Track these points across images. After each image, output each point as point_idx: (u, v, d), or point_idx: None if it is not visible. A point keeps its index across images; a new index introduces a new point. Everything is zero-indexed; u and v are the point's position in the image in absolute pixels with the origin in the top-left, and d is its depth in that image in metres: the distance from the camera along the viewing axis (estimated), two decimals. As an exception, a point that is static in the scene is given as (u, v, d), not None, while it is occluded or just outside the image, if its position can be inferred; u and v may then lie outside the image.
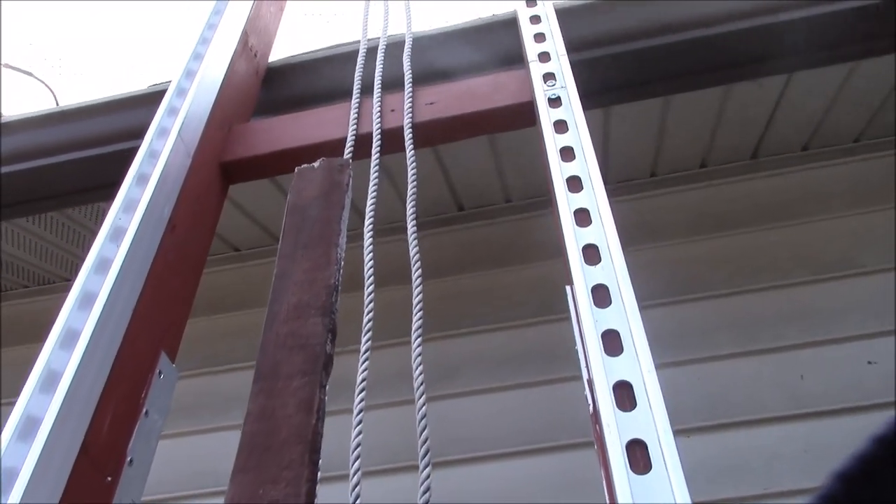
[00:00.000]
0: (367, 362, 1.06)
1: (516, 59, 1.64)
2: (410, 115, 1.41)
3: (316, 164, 1.15)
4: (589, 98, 1.36)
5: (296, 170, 1.16)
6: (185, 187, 1.31)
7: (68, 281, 2.77)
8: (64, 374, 0.94)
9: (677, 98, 2.09)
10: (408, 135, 1.37)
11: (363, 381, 1.04)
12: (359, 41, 1.90)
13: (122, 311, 1.08)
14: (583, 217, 1.00)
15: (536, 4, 1.52)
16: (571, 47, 1.44)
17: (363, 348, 1.07)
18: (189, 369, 1.83)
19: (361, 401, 1.02)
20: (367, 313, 1.12)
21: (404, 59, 1.62)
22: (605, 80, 1.86)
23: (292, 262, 0.98)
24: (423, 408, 1.00)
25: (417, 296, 1.16)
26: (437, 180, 2.42)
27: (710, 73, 1.90)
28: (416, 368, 1.06)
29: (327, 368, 0.85)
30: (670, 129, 2.26)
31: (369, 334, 1.09)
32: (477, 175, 2.44)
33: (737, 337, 2.22)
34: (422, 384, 1.03)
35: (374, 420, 1.24)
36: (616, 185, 2.52)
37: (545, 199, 2.45)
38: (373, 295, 1.15)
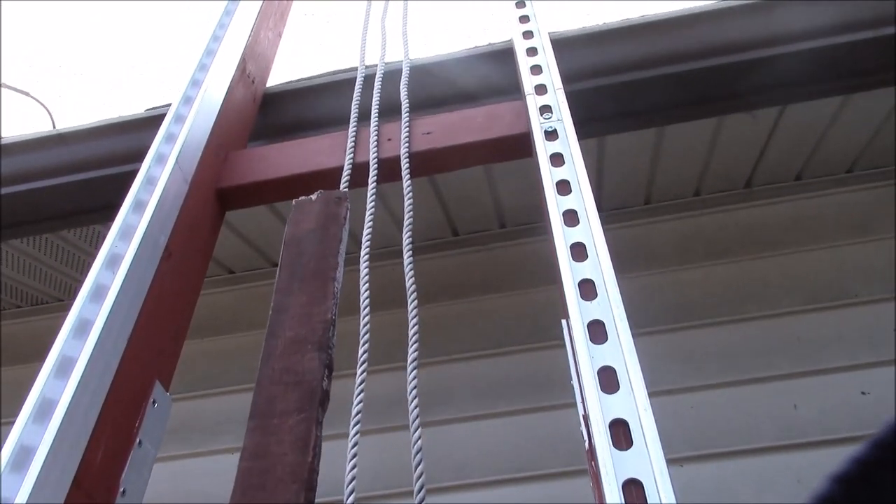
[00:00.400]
0: (362, 391, 1.06)
1: (513, 88, 1.66)
2: (407, 144, 1.42)
3: (314, 196, 1.16)
4: (583, 127, 1.38)
5: (293, 202, 1.17)
6: (181, 214, 1.31)
7: (61, 301, 2.76)
8: (59, 403, 0.94)
9: (671, 127, 2.11)
10: (405, 165, 1.38)
11: (359, 409, 1.04)
12: (356, 68, 1.92)
13: (118, 339, 1.08)
14: (579, 251, 1.01)
15: (533, 36, 1.54)
16: (567, 77, 1.46)
17: (359, 379, 1.07)
18: (180, 392, 1.82)
19: (357, 423, 1.01)
20: (363, 343, 1.12)
21: (401, 88, 1.63)
22: (599, 110, 1.88)
23: (289, 295, 0.98)
24: (419, 434, 1.00)
25: (413, 326, 1.16)
26: (432, 205, 2.43)
27: (704, 104, 1.93)
28: (411, 393, 1.06)
29: (323, 405, 0.85)
30: (664, 157, 2.28)
31: (365, 362, 1.09)
32: (471, 200, 2.45)
33: (729, 365, 2.22)
34: (416, 409, 1.03)
35: (366, 445, 1.24)
36: (609, 212, 2.53)
37: (539, 225, 2.47)
38: (368, 324, 1.15)
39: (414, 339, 1.13)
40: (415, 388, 1.07)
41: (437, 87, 1.91)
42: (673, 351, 2.27)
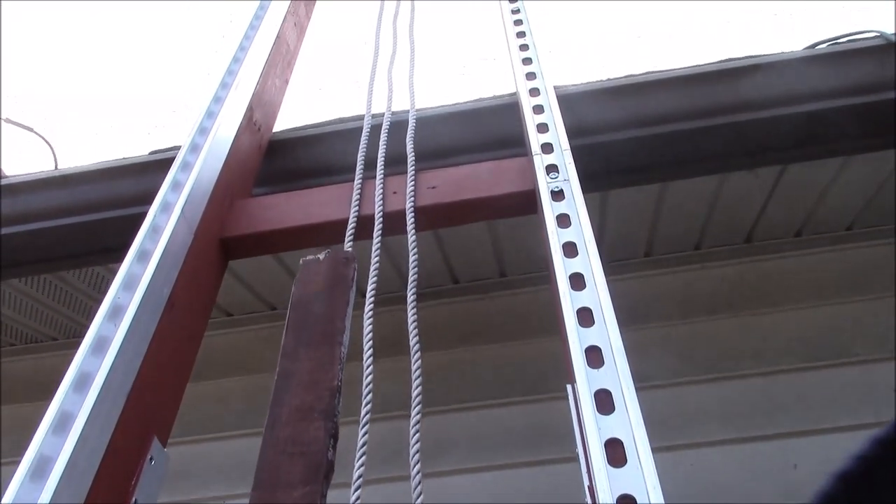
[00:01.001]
0: (365, 443, 1.05)
1: (519, 140, 1.66)
2: (413, 199, 1.42)
3: (321, 256, 1.16)
4: (587, 181, 1.38)
5: (301, 261, 1.16)
6: (185, 264, 1.31)
7: (55, 340, 2.74)
8: (57, 461, 0.92)
9: (675, 183, 2.12)
10: (410, 219, 1.38)
11: (362, 462, 1.03)
12: (362, 116, 1.93)
13: (118, 394, 1.06)
14: (586, 317, 1.00)
15: (539, 94, 1.55)
16: (572, 132, 1.47)
17: (361, 432, 1.05)
18: (171, 437, 1.80)
19: (359, 477, 1.00)
20: (366, 394, 1.11)
21: (407, 141, 1.64)
22: (604, 165, 1.89)
23: (295, 361, 0.97)
24: (420, 489, 0.98)
25: (416, 381, 1.15)
26: (432, 252, 2.43)
27: (707, 161, 1.94)
28: (414, 446, 1.05)
29: (328, 477, 0.84)
30: (666, 212, 2.29)
31: (368, 413, 1.08)
32: (472, 248, 2.45)
33: (729, 423, 2.21)
34: (418, 463, 1.02)
35: (365, 495, 1.22)
36: (609, 263, 2.53)
37: (540, 275, 2.47)
38: (371, 374, 1.13)
39: (417, 393, 1.12)
40: (417, 441, 1.06)
41: (442, 138, 1.92)
42: (672, 406, 2.25)
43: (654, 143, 1.85)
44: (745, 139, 1.90)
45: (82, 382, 1.03)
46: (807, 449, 2.13)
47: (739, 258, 2.50)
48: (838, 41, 1.99)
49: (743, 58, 1.95)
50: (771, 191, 2.23)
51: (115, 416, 1.04)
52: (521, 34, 1.81)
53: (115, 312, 1.15)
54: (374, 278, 1.32)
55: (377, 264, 1.33)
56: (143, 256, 1.26)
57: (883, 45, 1.87)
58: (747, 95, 1.88)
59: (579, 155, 1.37)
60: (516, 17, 1.89)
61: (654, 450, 0.80)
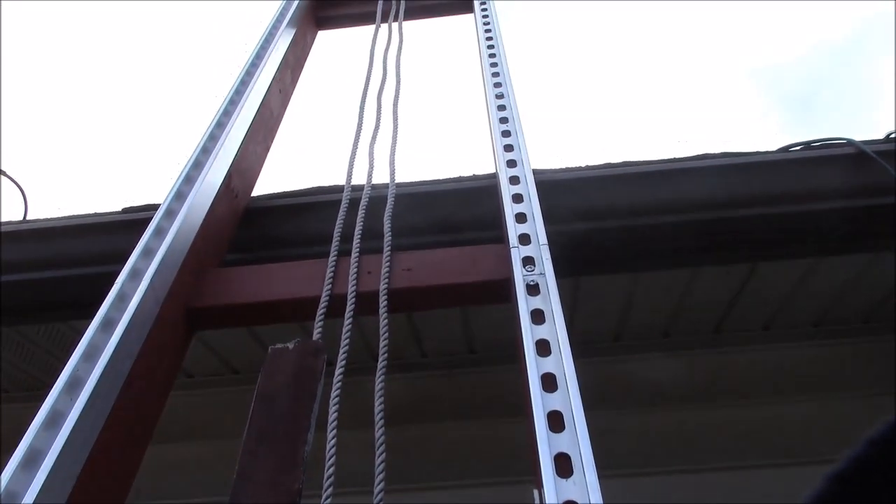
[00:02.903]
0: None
1: (496, 222, 1.66)
2: (387, 281, 1.41)
3: (290, 345, 1.13)
4: (560, 266, 1.37)
5: (269, 349, 1.14)
6: (150, 336, 1.28)
7: (7, 392, 2.65)
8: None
9: (646, 274, 2.14)
10: (383, 301, 1.37)
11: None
12: (341, 186, 1.93)
13: (69, 472, 1.02)
14: (556, 421, 0.99)
15: (519, 182, 1.56)
16: (547, 218, 1.47)
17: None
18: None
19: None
20: (329, 467, 1.08)
21: (385, 219, 1.63)
22: (578, 254, 1.90)
23: (255, 459, 0.94)
24: None
25: (380, 464, 1.12)
26: (403, 325, 2.41)
27: (679, 255, 1.96)
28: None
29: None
30: (637, 301, 2.30)
31: (331, 486, 1.05)
32: (443, 323, 2.43)
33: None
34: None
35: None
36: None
37: (509, 353, 2.46)
38: (335, 447, 1.10)
39: (380, 478, 1.09)
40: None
41: (421, 216, 1.92)
42: (634, 497, 2.22)
43: (630, 235, 1.87)
44: (718, 235, 1.93)
45: (32, 459, 0.99)
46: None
47: (707, 348, 2.51)
48: (811, 145, 2.05)
49: (719, 154, 1.99)
50: (741, 287, 2.25)
51: (65, 496, 1.00)
52: (504, 119, 1.83)
53: (74, 385, 1.11)
54: (344, 357, 1.29)
55: (346, 346, 1.31)
56: (108, 326, 1.23)
57: (853, 154, 1.92)
58: (720, 193, 1.91)
59: (552, 240, 1.37)
60: (500, 101, 1.91)
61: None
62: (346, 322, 1.36)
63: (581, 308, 2.33)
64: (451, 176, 2.06)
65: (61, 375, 1.11)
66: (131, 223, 1.88)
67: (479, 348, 2.57)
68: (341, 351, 1.31)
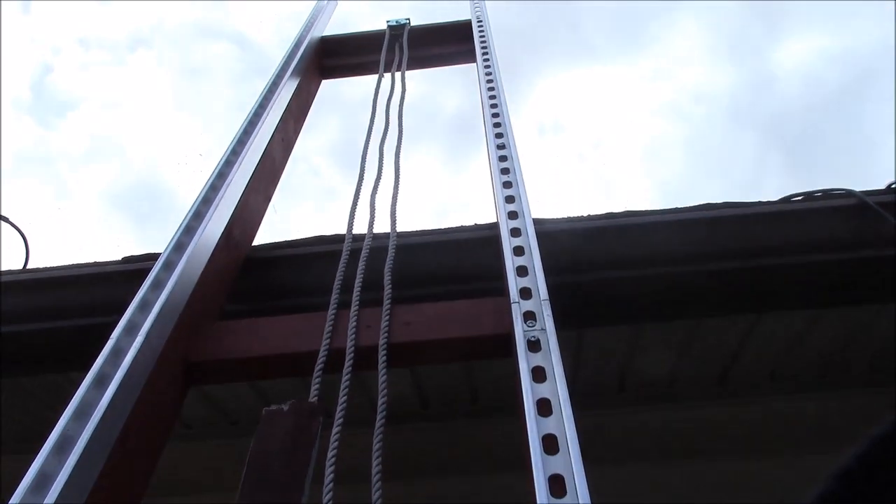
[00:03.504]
0: None
1: (497, 273, 1.64)
2: (386, 335, 1.39)
3: (285, 407, 1.11)
4: (563, 319, 1.35)
5: (263, 411, 1.12)
6: (144, 393, 1.26)
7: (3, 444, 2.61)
8: None
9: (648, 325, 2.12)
10: (382, 356, 1.35)
11: None
12: (342, 236, 1.92)
13: (55, 537, 1.00)
14: (558, 486, 0.96)
15: (521, 235, 1.55)
16: (548, 270, 1.45)
17: None
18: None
19: None
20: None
21: (385, 271, 1.62)
22: (578, 305, 1.88)
23: (247, 529, 0.92)
24: None
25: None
26: (403, 375, 2.38)
27: (680, 306, 1.94)
28: None
29: None
30: (640, 350, 2.27)
31: None
32: (444, 373, 2.41)
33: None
34: None
35: None
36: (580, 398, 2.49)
37: (511, 405, 2.43)
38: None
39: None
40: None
41: (421, 266, 1.91)
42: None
43: (622, 286, 1.85)
44: (720, 286, 1.92)
45: (19, 525, 0.97)
46: None
47: (713, 399, 2.47)
48: (812, 195, 2.04)
49: (720, 204, 1.98)
50: (745, 337, 2.23)
51: (50, 562, 0.97)
52: (505, 170, 1.82)
53: (64, 445, 1.09)
54: (341, 414, 1.27)
55: (344, 403, 1.29)
56: (101, 383, 1.21)
57: (855, 205, 1.92)
58: (722, 244, 1.90)
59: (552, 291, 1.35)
60: (501, 152, 1.91)
61: None
62: (345, 378, 1.35)
63: (583, 361, 2.30)
64: (452, 226, 2.05)
65: (51, 435, 1.09)
66: (131, 273, 1.87)
67: (483, 398, 2.53)
68: (339, 407, 1.29)
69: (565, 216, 2.01)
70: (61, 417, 1.12)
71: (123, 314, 1.35)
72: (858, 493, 0.50)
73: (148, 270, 1.49)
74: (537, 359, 1.20)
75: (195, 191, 1.84)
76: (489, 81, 2.30)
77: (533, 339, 1.24)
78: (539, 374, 1.16)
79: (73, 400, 1.16)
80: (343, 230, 1.93)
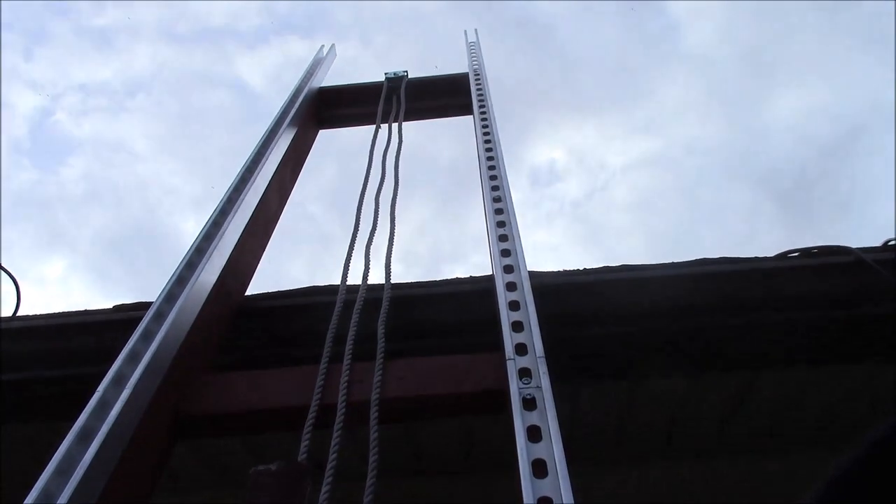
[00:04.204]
0: None
1: (492, 325, 1.62)
2: (379, 390, 1.37)
3: (273, 467, 1.09)
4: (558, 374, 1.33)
5: (250, 472, 1.09)
6: (129, 448, 1.23)
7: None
8: None
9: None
10: (374, 413, 1.32)
11: None
12: (336, 286, 1.90)
13: None
14: (553, 553, 0.93)
15: (516, 289, 1.53)
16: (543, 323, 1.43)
17: None
18: None
19: None
20: None
21: (379, 325, 1.60)
22: (573, 359, 1.86)
23: None
24: None
25: None
26: (396, 429, 2.34)
27: (677, 362, 1.93)
28: None
29: None
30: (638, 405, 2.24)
31: None
32: (438, 426, 2.37)
33: None
34: None
35: None
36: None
37: (505, 458, 2.38)
38: None
39: None
40: None
41: (416, 319, 1.90)
42: None
43: (617, 341, 1.84)
44: (716, 342, 1.90)
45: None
46: None
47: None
48: (809, 252, 2.04)
49: (717, 259, 1.98)
50: (745, 393, 2.20)
51: None
52: (501, 224, 1.81)
53: (47, 501, 1.06)
54: (330, 475, 1.24)
55: (334, 461, 1.26)
56: (85, 437, 1.18)
57: (852, 262, 1.91)
58: (717, 299, 1.89)
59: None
60: (497, 205, 1.90)
61: None
62: (335, 435, 1.32)
63: (579, 421, 2.27)
64: (448, 278, 2.04)
65: (32, 491, 1.06)
66: (122, 323, 1.85)
67: (476, 453, 2.49)
68: (329, 465, 1.26)
69: (561, 269, 2.01)
70: (43, 473, 1.09)
71: (112, 364, 1.33)
72: (855, 496, 0.50)
73: (138, 320, 1.47)
74: (533, 417, 1.17)
75: (190, 237, 1.83)
76: (486, 136, 2.31)
77: (528, 396, 1.22)
78: (534, 434, 1.14)
79: (55, 455, 1.13)
80: (337, 279, 1.92)
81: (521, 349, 1.34)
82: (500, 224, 1.82)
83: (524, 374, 1.27)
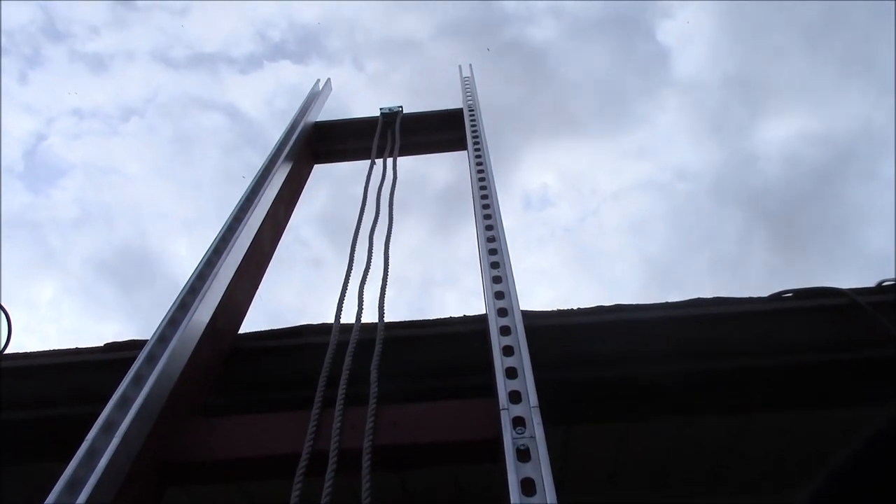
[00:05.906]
0: None
1: (486, 365, 1.60)
2: (371, 437, 1.35)
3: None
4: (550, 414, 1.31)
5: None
6: (118, 496, 1.21)
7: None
8: None
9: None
10: (366, 460, 1.31)
11: None
12: (329, 325, 1.89)
13: None
14: None
15: (510, 333, 1.52)
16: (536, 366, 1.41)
17: None
18: None
19: None
20: None
21: (372, 369, 1.59)
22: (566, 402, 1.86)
23: None
24: None
25: None
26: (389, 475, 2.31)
27: (669, 404, 1.92)
28: None
29: None
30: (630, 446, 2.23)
31: None
32: (430, 472, 2.34)
33: None
34: None
35: None
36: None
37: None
38: None
39: None
40: None
41: (409, 360, 1.88)
42: None
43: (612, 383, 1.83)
44: (709, 385, 1.89)
45: None
46: None
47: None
48: (802, 293, 2.04)
49: (711, 300, 1.97)
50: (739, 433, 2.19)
51: None
52: (495, 265, 1.80)
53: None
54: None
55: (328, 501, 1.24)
56: (74, 487, 1.17)
57: (845, 304, 1.91)
58: (712, 341, 1.88)
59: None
60: (491, 245, 1.88)
61: None
62: (327, 483, 1.30)
63: (572, 460, 2.25)
64: (441, 318, 2.03)
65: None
66: (113, 363, 1.83)
67: (468, 499, 2.46)
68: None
69: (555, 309, 2.00)
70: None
71: (104, 404, 1.31)
72: (851, 493, 0.50)
73: (130, 360, 1.46)
74: (527, 469, 1.16)
75: (181, 260, 1.82)
76: (480, 172, 2.31)
77: (522, 447, 1.21)
78: (528, 487, 1.13)
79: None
80: (330, 316, 1.90)
81: (514, 397, 1.33)
82: (495, 265, 1.80)
83: (518, 423, 1.26)
